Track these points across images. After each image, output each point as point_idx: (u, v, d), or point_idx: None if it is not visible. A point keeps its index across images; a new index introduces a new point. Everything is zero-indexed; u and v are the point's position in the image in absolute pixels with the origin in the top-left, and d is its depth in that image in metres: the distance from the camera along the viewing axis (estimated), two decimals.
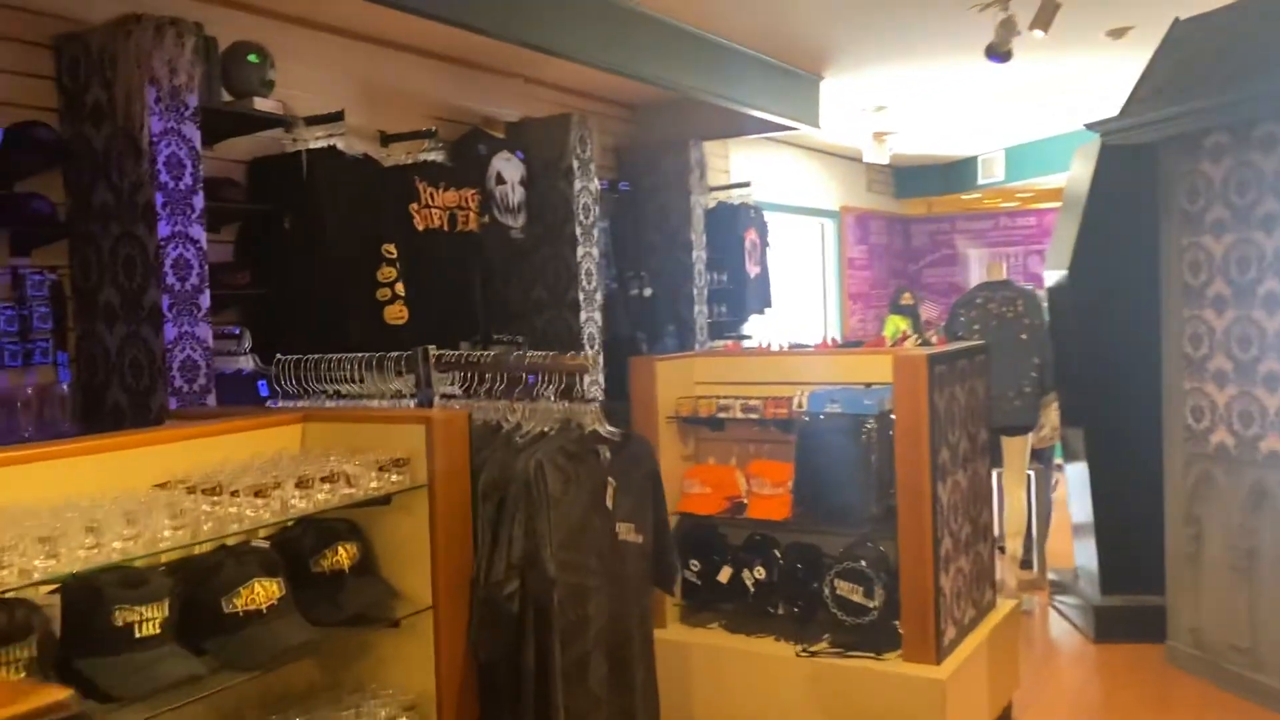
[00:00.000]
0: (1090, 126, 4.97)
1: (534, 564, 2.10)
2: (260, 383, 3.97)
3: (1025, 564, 6.00)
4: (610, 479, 2.28)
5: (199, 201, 3.60)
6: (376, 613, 2.07)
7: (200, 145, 3.63)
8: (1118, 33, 5.80)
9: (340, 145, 4.36)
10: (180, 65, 3.51)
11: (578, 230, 5.45)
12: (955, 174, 11.24)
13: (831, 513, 3.53)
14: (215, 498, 1.75)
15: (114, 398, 3.63)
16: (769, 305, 7.80)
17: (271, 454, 2.08)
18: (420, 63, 5.23)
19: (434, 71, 5.30)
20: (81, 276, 3.69)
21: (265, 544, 1.87)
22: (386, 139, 4.94)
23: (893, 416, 3.38)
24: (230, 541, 1.84)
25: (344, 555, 2.00)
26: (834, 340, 3.83)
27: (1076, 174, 5.54)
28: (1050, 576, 5.89)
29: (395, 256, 4.41)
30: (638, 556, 2.37)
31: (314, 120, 4.36)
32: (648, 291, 6.39)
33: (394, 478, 2.05)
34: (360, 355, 2.50)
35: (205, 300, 3.62)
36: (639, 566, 2.38)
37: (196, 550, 1.77)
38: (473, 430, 2.20)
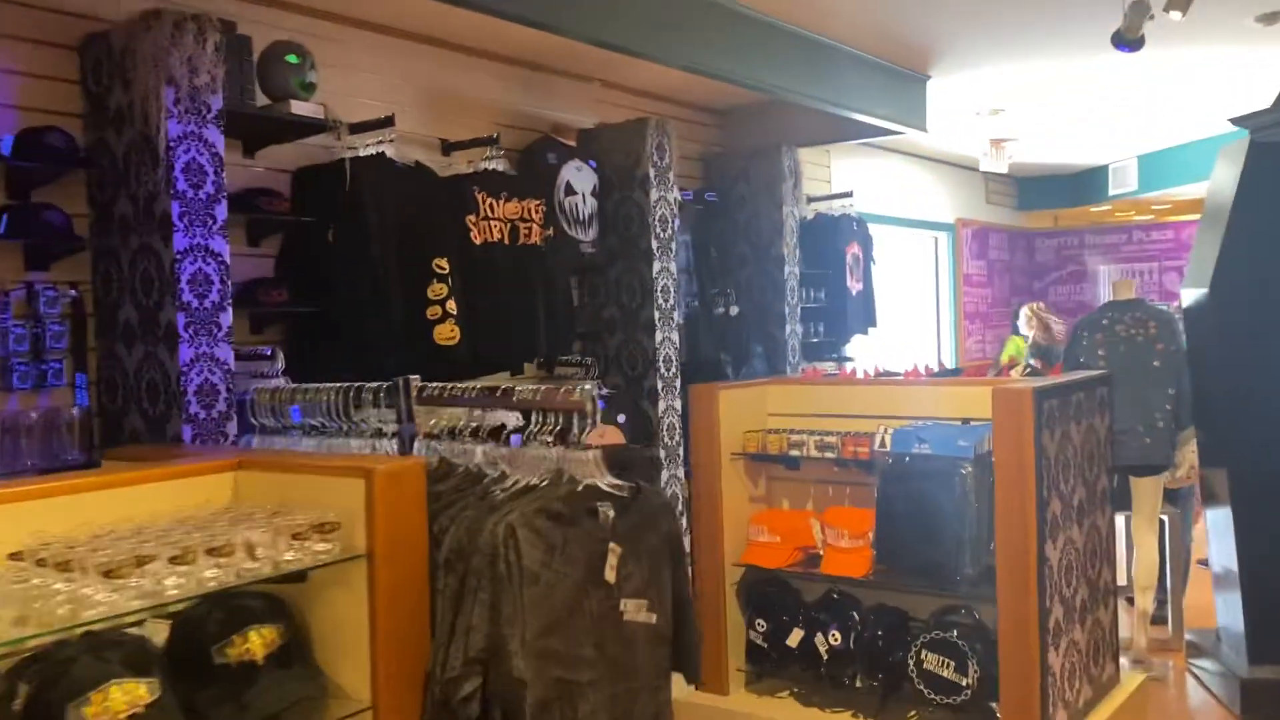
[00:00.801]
0: (1237, 121, 4.33)
1: (498, 657, 1.68)
2: (293, 408, 3.66)
3: (1158, 619, 5.31)
4: (613, 545, 1.85)
5: (221, 212, 3.32)
6: (296, 716, 1.67)
7: (224, 151, 3.35)
8: (1270, 18, 5.11)
9: (390, 152, 4.05)
10: (201, 64, 3.24)
11: (654, 244, 5.04)
12: (1083, 184, 10.44)
13: (918, 571, 3.03)
14: (68, 575, 1.39)
15: (131, 423, 3.37)
16: (873, 324, 7.26)
17: (189, 509, 1.72)
18: (486, 66, 4.91)
19: (501, 75, 4.98)
20: (103, 292, 3.45)
21: (165, 624, 1.50)
22: (448, 147, 4.63)
23: (993, 460, 2.86)
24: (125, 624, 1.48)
25: (257, 642, 1.61)
26: (927, 368, 3.32)
27: (1220, 178, 4.88)
28: (1187, 637, 5.19)
29: (447, 272, 4.08)
30: (651, 641, 1.92)
31: (361, 126, 4.06)
32: (734, 310, 5.94)
33: (319, 547, 1.67)
34: (334, 386, 2.13)
35: (227, 319, 3.33)
36: (652, 653, 1.93)
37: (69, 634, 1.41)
38: (445, 483, 1.81)
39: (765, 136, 6.12)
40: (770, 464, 3.44)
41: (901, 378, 3.37)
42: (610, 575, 1.83)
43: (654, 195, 5.05)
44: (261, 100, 3.74)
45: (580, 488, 1.84)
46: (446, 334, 4.06)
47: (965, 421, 3.08)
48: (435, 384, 2.11)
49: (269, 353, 3.66)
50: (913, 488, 2.96)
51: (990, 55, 5.83)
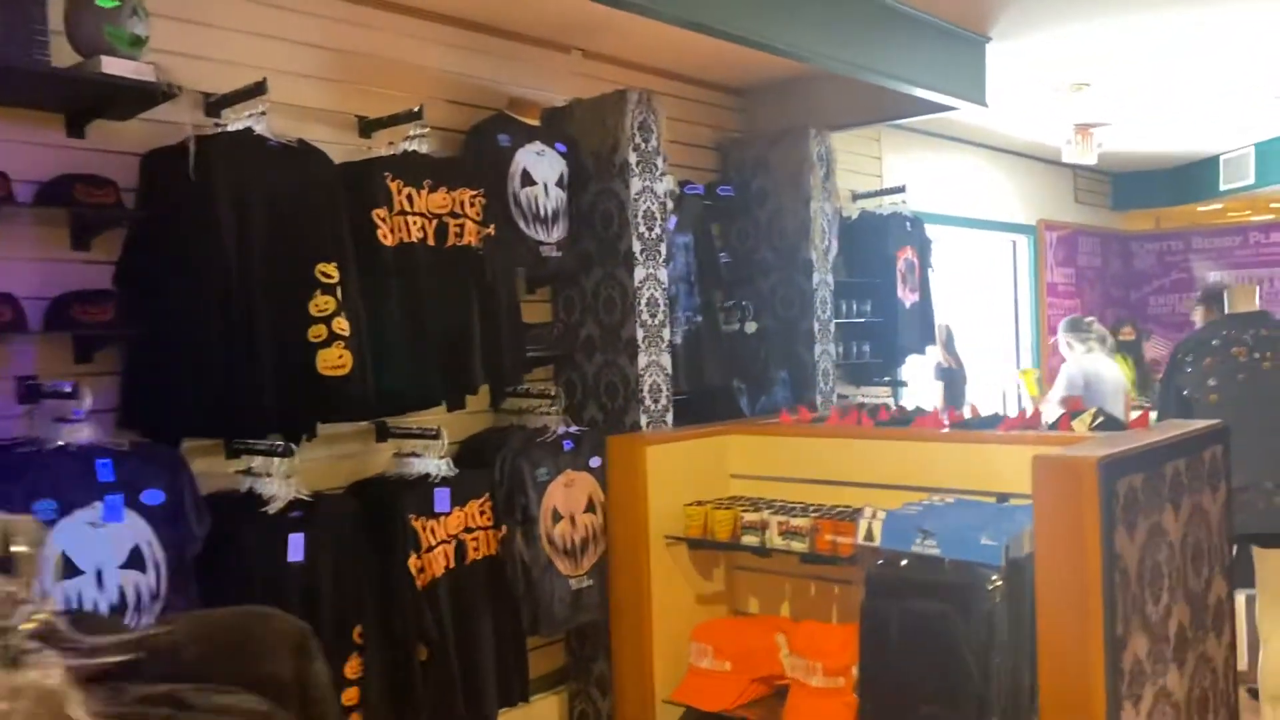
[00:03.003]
0: None
1: None
2: (102, 462, 2.78)
3: None
4: None
5: None
6: None
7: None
8: None
9: (261, 128, 3.15)
10: None
11: (636, 245, 4.05)
12: (1190, 179, 9.10)
13: None
14: None
15: None
16: (931, 342, 6.18)
17: None
18: (428, 29, 3.99)
19: (448, 41, 4.05)
20: None
21: None
22: (367, 126, 3.73)
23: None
24: None
25: None
26: (952, 411, 2.28)
27: None
28: None
29: (336, 281, 3.16)
30: None
31: (230, 98, 3.19)
32: (750, 326, 4.92)
33: None
34: None
35: None
36: None
37: None
38: None
39: (790, 118, 5.09)
40: (731, 548, 2.42)
41: (911, 425, 2.32)
42: None
43: (636, 185, 4.07)
44: (73, 59, 2.87)
45: None
46: (333, 362, 3.13)
47: (1001, 500, 2.03)
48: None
49: (68, 388, 2.77)
50: (912, 608, 1.92)
51: (1067, 11, 4.70)
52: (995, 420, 2.30)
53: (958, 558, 1.88)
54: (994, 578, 1.84)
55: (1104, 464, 1.72)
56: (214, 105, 3.27)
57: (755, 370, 4.83)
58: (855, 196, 6.09)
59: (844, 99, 5.03)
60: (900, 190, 5.98)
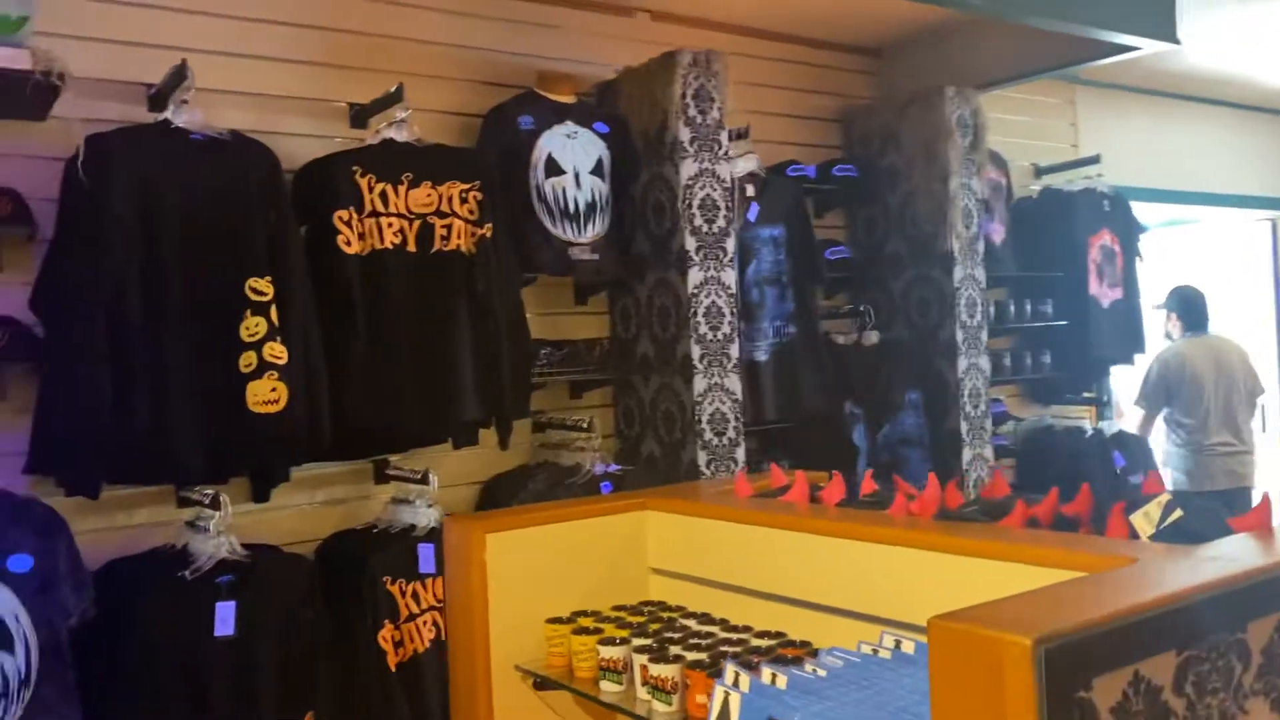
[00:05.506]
0: None
1: None
2: None
3: None
4: None
5: None
6: None
7: None
8: None
9: (182, 121, 2.67)
10: None
11: (690, 243, 3.29)
12: None
13: None
14: None
15: None
16: (1140, 350, 4.98)
17: None
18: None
19: (472, 13, 3.44)
20: None
21: None
22: (359, 113, 3.19)
23: None
24: None
25: None
26: (953, 488, 1.41)
27: None
28: None
29: (269, 299, 2.63)
30: None
31: (161, 92, 2.74)
32: (871, 336, 4.02)
33: None
34: None
35: None
36: None
37: None
38: None
39: (931, 79, 4.13)
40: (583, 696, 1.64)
41: (888, 510, 1.47)
42: None
43: (689, 169, 3.30)
44: None
45: None
46: (264, 396, 2.60)
47: None
48: None
49: None
50: None
51: None
52: (1003, 509, 1.40)
53: None
54: None
55: (1048, 649, 0.84)
56: (156, 98, 2.83)
57: (876, 392, 3.91)
58: (1039, 171, 5.02)
59: (992, 51, 4.02)
60: (1094, 161, 4.84)
